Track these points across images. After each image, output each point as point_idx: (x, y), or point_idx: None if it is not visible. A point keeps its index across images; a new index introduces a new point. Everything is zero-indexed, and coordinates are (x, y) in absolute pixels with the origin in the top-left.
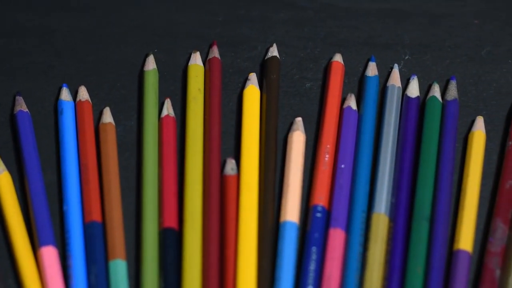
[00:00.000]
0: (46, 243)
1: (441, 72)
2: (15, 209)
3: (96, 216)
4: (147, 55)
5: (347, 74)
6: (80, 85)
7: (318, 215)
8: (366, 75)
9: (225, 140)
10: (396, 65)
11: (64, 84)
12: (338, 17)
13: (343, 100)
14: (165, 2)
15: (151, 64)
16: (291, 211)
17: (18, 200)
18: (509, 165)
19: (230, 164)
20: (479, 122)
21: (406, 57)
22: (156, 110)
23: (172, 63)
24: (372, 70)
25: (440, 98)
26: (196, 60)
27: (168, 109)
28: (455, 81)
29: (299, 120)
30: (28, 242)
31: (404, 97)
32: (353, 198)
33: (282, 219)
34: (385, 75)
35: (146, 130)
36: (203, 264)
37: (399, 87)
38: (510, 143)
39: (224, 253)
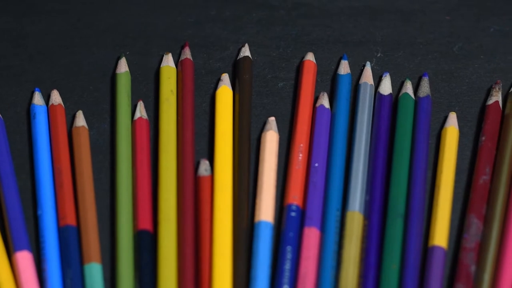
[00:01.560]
0: (20, 248)
1: (413, 69)
2: None
3: (70, 220)
4: (119, 58)
5: (320, 72)
6: (52, 89)
7: (293, 214)
8: (338, 74)
9: (198, 141)
10: (368, 63)
11: (36, 88)
12: (310, 15)
13: (316, 98)
14: (137, 4)
15: (123, 66)
16: (266, 211)
17: None
18: (483, 161)
19: (204, 165)
20: (452, 118)
21: (378, 55)
22: (129, 113)
23: (144, 65)
24: (344, 68)
25: (412, 95)
26: (168, 61)
27: (141, 111)
28: (427, 77)
29: (272, 119)
30: (3, 247)
31: (377, 95)
32: (327, 197)
33: (256, 219)
34: (357, 73)
35: (119, 132)
36: (179, 266)
37: (371, 84)
38: (483, 138)
39: (199, 254)
